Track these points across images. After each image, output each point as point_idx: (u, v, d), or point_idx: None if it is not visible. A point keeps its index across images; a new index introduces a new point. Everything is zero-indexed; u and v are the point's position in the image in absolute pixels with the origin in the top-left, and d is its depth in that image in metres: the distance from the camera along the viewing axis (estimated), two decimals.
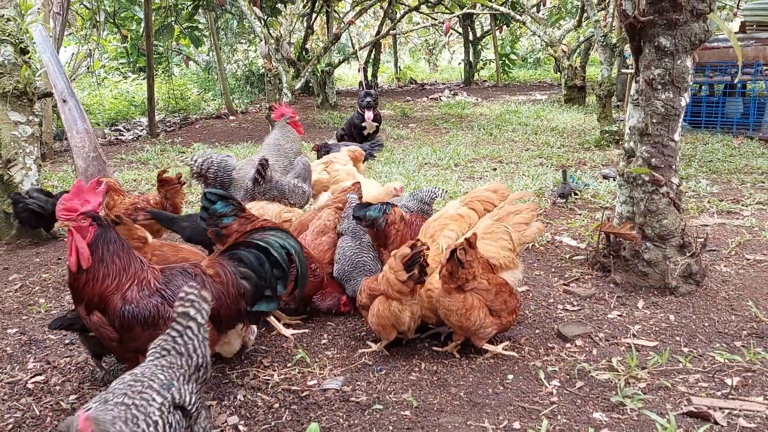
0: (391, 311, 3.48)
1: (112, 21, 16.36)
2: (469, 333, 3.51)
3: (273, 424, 3.03)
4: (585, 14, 13.43)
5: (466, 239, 3.36)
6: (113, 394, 2.21)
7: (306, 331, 4.01)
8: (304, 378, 3.45)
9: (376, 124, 10.34)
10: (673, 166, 4.33)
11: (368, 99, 10.12)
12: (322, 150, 7.25)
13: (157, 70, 16.25)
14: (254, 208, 4.51)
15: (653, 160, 4.30)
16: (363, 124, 10.24)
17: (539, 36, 14.76)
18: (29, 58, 6.13)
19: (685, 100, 4.22)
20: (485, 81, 23.13)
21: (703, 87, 11.12)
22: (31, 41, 6.75)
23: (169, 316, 2.83)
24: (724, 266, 4.80)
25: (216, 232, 3.79)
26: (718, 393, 3.17)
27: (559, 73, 16.69)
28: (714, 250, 5.07)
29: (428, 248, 3.43)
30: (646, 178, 4.32)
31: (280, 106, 5.84)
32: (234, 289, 3.01)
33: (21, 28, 5.93)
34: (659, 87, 4.19)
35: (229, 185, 5.13)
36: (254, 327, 3.59)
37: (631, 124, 4.44)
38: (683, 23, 4.03)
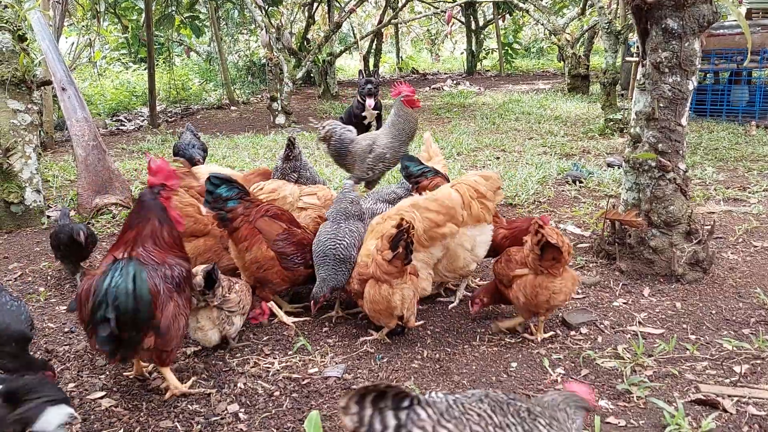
0: (382, 294, 3.42)
1: (112, 11, 16.27)
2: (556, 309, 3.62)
3: (273, 411, 2.99)
4: (589, 2, 13.32)
5: (537, 224, 3.38)
6: None
7: (307, 318, 3.96)
8: (305, 366, 3.40)
9: (376, 111, 10.25)
10: (680, 152, 4.27)
11: (369, 86, 10.01)
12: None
13: (158, 61, 16.18)
14: (270, 186, 4.44)
15: (660, 145, 4.23)
16: (363, 113, 10.15)
17: (542, 24, 14.65)
18: (28, 45, 6.06)
19: (692, 83, 4.15)
20: (488, 71, 23.01)
21: (708, 75, 11.03)
22: (30, 29, 6.69)
23: None
24: (732, 253, 4.74)
25: (221, 216, 3.75)
26: (727, 380, 3.12)
27: (562, 62, 16.58)
28: (721, 238, 5.01)
29: (413, 227, 3.36)
30: (653, 164, 4.26)
31: (400, 83, 5.74)
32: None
33: (19, 15, 5.87)
34: (666, 70, 4.12)
35: (346, 155, 5.67)
36: (236, 321, 3.49)
37: (637, 109, 4.36)
38: (691, 4, 3.96)
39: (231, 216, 3.74)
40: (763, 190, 6.24)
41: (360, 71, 11.07)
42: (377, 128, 10.42)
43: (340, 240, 3.79)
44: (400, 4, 18.70)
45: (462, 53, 25.13)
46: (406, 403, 1.71)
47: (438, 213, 3.72)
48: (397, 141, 5.55)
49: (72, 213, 6.34)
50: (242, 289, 3.57)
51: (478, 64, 22.81)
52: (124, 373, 3.32)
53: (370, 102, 10.04)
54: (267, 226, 3.83)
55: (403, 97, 5.57)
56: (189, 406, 3.04)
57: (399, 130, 5.57)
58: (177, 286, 2.95)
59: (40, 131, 7.27)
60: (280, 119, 11.98)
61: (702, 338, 3.55)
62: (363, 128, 10.31)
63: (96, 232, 5.61)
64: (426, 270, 3.78)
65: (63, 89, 6.44)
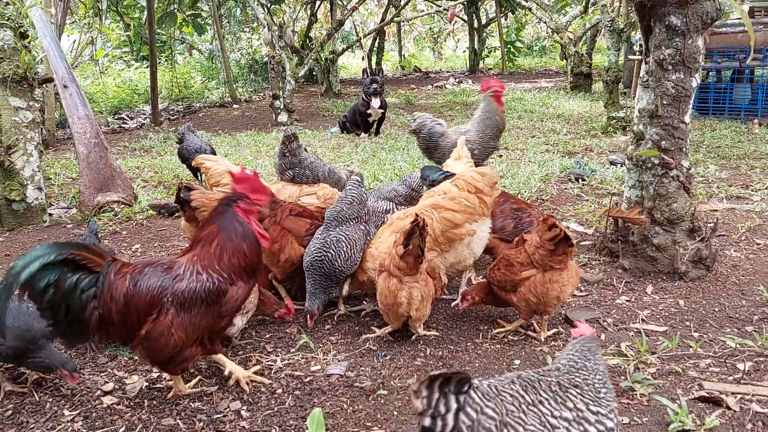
0: (390, 288, 3.39)
1: (114, 9, 16.27)
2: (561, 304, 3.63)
3: (276, 409, 2.98)
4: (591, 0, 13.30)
5: (551, 221, 3.38)
6: None
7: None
8: (308, 363, 3.40)
9: (381, 110, 10.25)
10: (684, 149, 4.25)
11: (374, 86, 10.01)
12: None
13: (160, 58, 16.17)
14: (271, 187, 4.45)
15: (663, 142, 4.22)
16: (368, 111, 10.15)
17: (545, 22, 14.63)
18: (29, 42, 6.06)
19: (696, 80, 4.13)
20: (490, 69, 22.96)
21: (710, 73, 11.00)
22: (31, 26, 6.68)
23: None
24: (734, 251, 4.72)
25: None
26: (730, 378, 3.11)
27: (565, 60, 16.55)
28: (723, 235, 5.00)
29: (426, 224, 3.34)
30: (656, 161, 4.25)
31: (489, 78, 5.77)
32: None
33: (20, 12, 5.86)
34: (670, 67, 4.10)
35: (434, 149, 5.86)
36: (237, 321, 3.41)
37: (640, 106, 4.35)
38: (694, 1, 3.94)
39: (259, 219, 3.76)
40: (766, 188, 6.22)
41: (364, 70, 11.05)
42: (378, 128, 10.45)
43: (325, 252, 3.75)
44: (402, 2, 18.67)
45: (464, 51, 25.12)
46: (465, 388, 1.90)
47: (456, 212, 3.72)
48: (486, 136, 5.60)
49: (74, 211, 6.34)
50: None
51: (481, 62, 22.76)
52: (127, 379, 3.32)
53: (375, 101, 10.02)
54: (294, 224, 3.93)
55: (491, 92, 5.61)
56: (191, 403, 3.04)
57: (486, 125, 5.62)
58: (180, 304, 2.82)
59: (41, 129, 7.28)
60: (283, 117, 11.97)
61: (705, 336, 3.54)
62: (368, 126, 10.33)
63: (98, 230, 5.62)
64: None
65: (65, 87, 6.43)
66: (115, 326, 2.81)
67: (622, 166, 6.99)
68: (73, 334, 2.80)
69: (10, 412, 3.01)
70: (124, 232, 5.70)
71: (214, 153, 6.91)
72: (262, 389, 3.15)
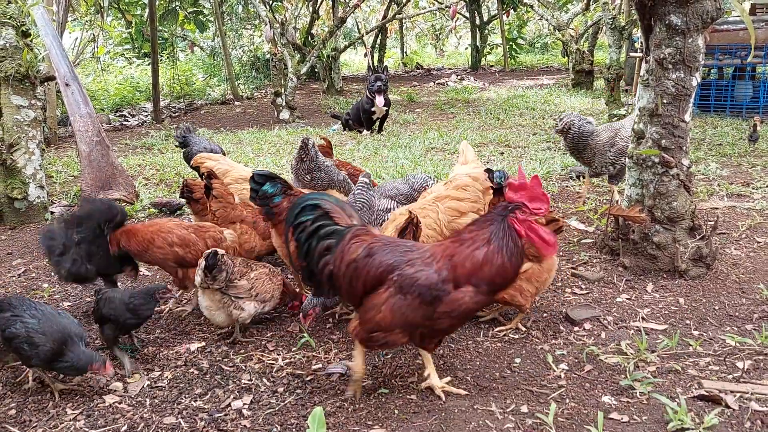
0: None
1: (116, 6, 16.26)
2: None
3: (277, 408, 3.00)
4: None
5: (551, 216, 3.50)
6: None
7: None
8: (309, 362, 3.41)
9: (386, 108, 10.25)
10: (684, 148, 4.26)
11: (379, 83, 10.02)
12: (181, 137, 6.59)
13: (161, 56, 16.18)
14: None
15: (663, 141, 4.22)
16: (372, 109, 10.15)
17: (547, 20, 14.61)
18: (31, 41, 6.07)
19: (696, 79, 4.13)
20: (492, 66, 22.92)
21: (712, 70, 10.99)
22: (33, 24, 6.69)
23: None
24: (735, 249, 4.73)
25: (267, 210, 3.87)
26: (730, 376, 3.12)
27: (566, 58, 16.53)
28: (724, 233, 5.00)
29: (419, 221, 3.35)
30: (656, 160, 4.25)
31: None
32: None
33: (22, 11, 5.87)
34: (670, 66, 4.11)
35: (584, 149, 5.68)
36: (247, 308, 3.49)
37: (641, 104, 4.36)
38: (695, 0, 3.94)
39: (276, 211, 3.83)
40: (767, 186, 6.22)
41: (369, 67, 11.03)
42: (381, 126, 10.46)
43: None
44: (404, 0, 18.65)
45: (466, 48, 25.07)
46: None
47: (461, 201, 3.74)
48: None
49: (76, 209, 6.36)
50: (260, 278, 3.58)
51: (483, 59, 22.73)
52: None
53: (380, 99, 10.02)
54: None
55: None
56: (193, 402, 3.05)
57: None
58: (400, 287, 2.78)
59: (43, 127, 7.29)
60: (284, 114, 11.99)
61: (705, 334, 3.55)
62: (371, 124, 10.34)
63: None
64: None
65: (67, 85, 6.45)
66: (342, 288, 2.94)
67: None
68: (313, 282, 3.07)
69: (13, 411, 3.03)
70: None
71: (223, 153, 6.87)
72: (263, 388, 3.17)
